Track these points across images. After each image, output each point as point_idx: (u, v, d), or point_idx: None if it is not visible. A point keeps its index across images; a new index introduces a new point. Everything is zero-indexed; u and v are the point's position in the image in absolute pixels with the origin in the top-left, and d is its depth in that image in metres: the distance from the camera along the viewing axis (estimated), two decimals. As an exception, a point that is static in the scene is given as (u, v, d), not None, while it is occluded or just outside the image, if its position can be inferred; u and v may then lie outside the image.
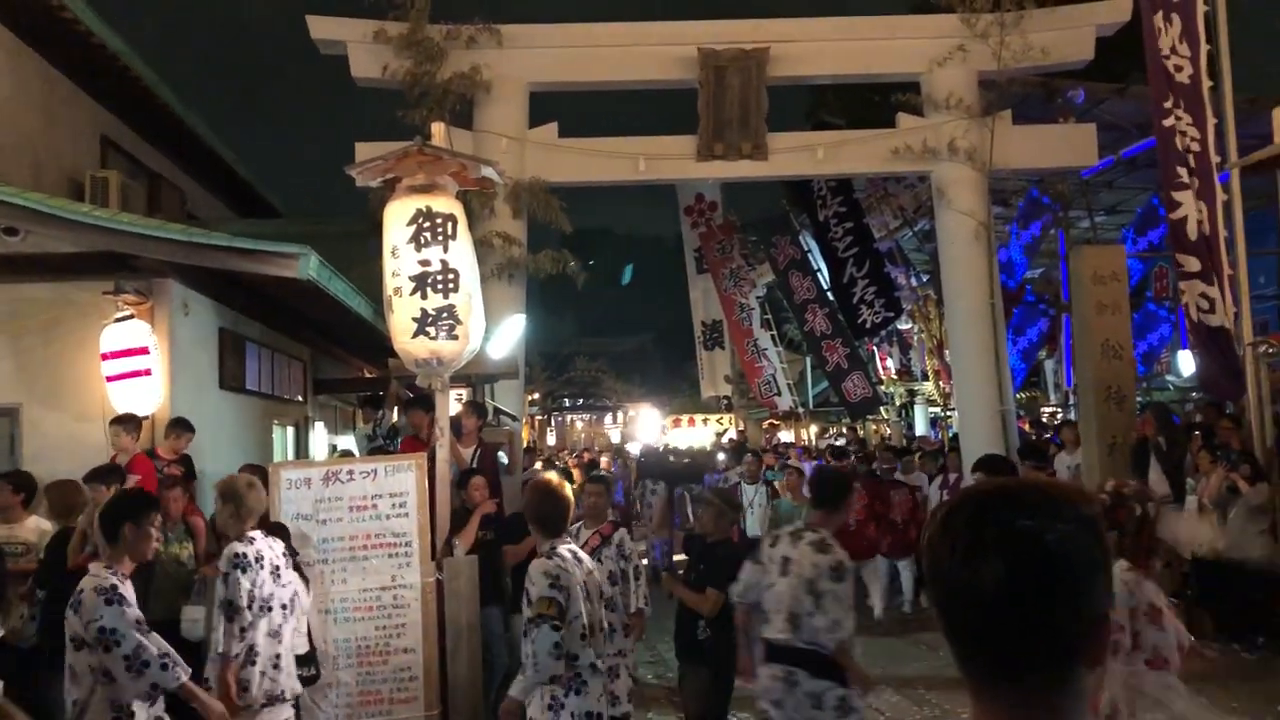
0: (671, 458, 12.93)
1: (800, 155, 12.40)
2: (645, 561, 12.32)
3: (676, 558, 9.29)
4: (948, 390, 18.90)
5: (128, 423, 7.85)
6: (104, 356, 8.21)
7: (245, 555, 5.04)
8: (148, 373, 8.22)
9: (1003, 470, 5.92)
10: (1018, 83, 12.39)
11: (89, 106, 12.93)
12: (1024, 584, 1.16)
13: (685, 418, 28.35)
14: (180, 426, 8.15)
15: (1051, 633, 1.17)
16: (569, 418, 38.76)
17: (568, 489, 4.72)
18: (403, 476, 7.01)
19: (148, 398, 8.29)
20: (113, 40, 11.87)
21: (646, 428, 20.65)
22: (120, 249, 7.99)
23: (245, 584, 4.98)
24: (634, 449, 20.31)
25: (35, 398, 8.45)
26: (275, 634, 5.13)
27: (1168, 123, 10.07)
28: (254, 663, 5.00)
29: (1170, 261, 15.18)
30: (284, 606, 5.20)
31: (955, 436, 15.87)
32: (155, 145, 14.74)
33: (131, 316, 8.29)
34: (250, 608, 4.99)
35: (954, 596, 1.20)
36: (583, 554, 4.65)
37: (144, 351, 8.22)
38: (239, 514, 5.19)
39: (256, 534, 5.23)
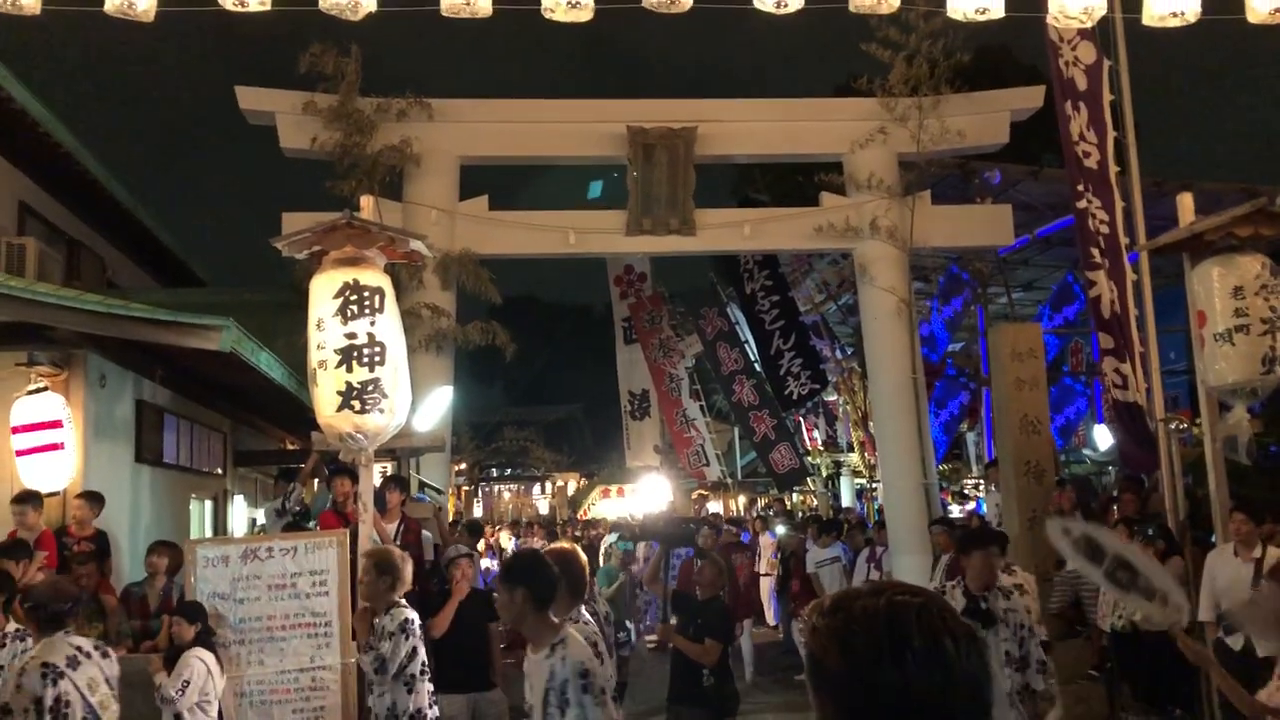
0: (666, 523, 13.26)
1: (727, 231, 12.59)
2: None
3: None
4: (873, 462, 19.11)
5: (31, 500, 7.62)
6: (14, 430, 7.97)
7: (412, 621, 5.67)
8: (60, 446, 7.99)
9: (994, 541, 6.06)
10: (936, 164, 12.78)
11: (6, 171, 12.69)
12: (982, 690, 1.21)
13: (615, 487, 28.27)
14: (89, 499, 7.92)
15: None
16: (497, 488, 38.33)
17: (582, 555, 4.84)
18: (324, 554, 6.86)
19: (60, 472, 8.05)
20: (33, 105, 11.71)
21: (649, 496, 20.74)
22: (34, 319, 7.78)
23: (404, 649, 5.56)
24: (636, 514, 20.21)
25: (-61, 472, 8.15)
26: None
27: (1081, 205, 10.44)
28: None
29: (1085, 336, 15.67)
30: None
31: (880, 509, 16.04)
32: (75, 212, 14.48)
33: (45, 389, 8.07)
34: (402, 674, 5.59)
35: (886, 696, 1.20)
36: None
37: (58, 425, 8.00)
38: (394, 587, 5.74)
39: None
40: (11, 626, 5.75)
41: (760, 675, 12.19)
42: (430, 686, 5.83)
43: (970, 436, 22.12)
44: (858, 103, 12.56)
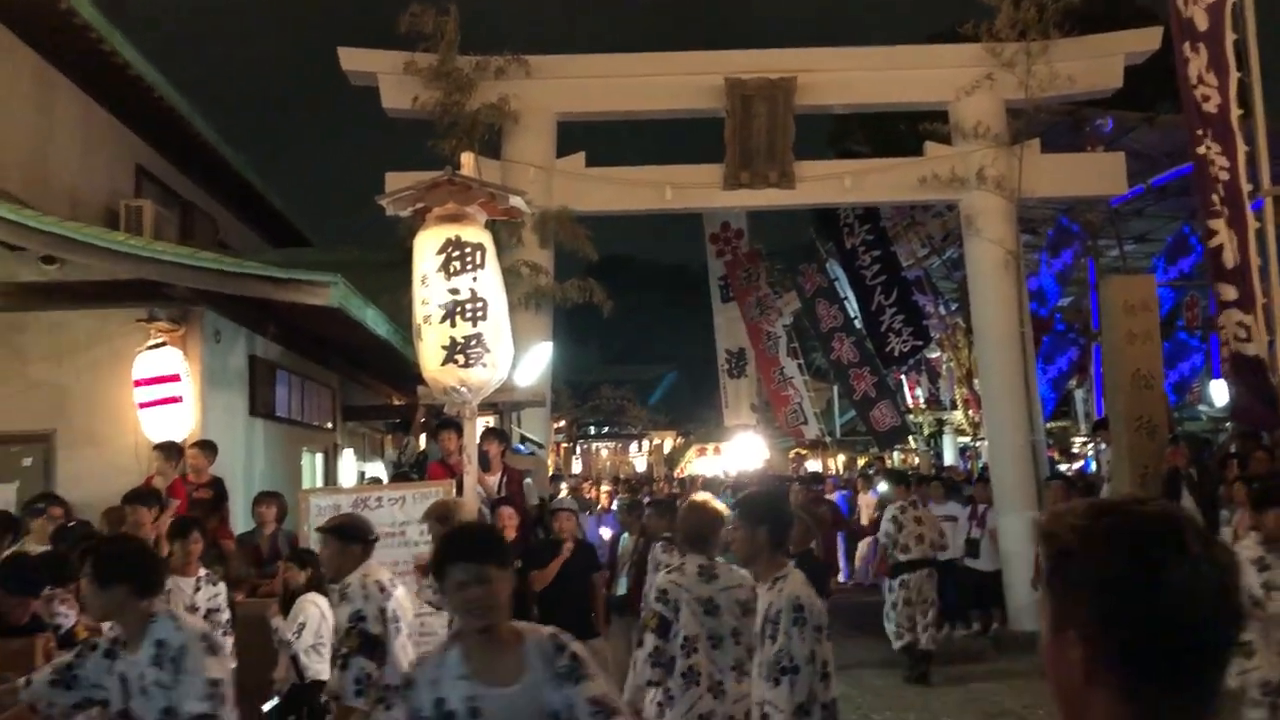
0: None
1: (827, 183, 12.39)
2: None
3: None
4: (977, 419, 18.76)
5: (169, 449, 7.99)
6: (136, 383, 8.31)
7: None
8: (179, 400, 8.31)
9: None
10: (1046, 111, 12.35)
11: (124, 136, 13.14)
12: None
13: (711, 446, 28.30)
14: (204, 448, 8.23)
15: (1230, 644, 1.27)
16: (594, 445, 38.75)
17: (720, 506, 4.91)
18: (431, 503, 7.02)
19: (179, 424, 8.37)
20: (148, 71, 12.08)
21: (744, 454, 20.81)
22: (153, 277, 8.09)
23: None
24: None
25: (70, 424, 8.56)
26: None
27: (1200, 151, 10.02)
28: None
29: (1203, 290, 15.07)
30: None
31: (984, 467, 15.75)
32: (189, 175, 14.94)
33: (164, 344, 8.39)
34: None
35: (1166, 598, 1.23)
36: (724, 571, 4.66)
37: (175, 379, 8.32)
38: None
39: None
40: (202, 571, 6.12)
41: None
42: None
43: (1079, 393, 21.53)
44: (963, 49, 12.21)
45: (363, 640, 4.34)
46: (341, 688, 4.31)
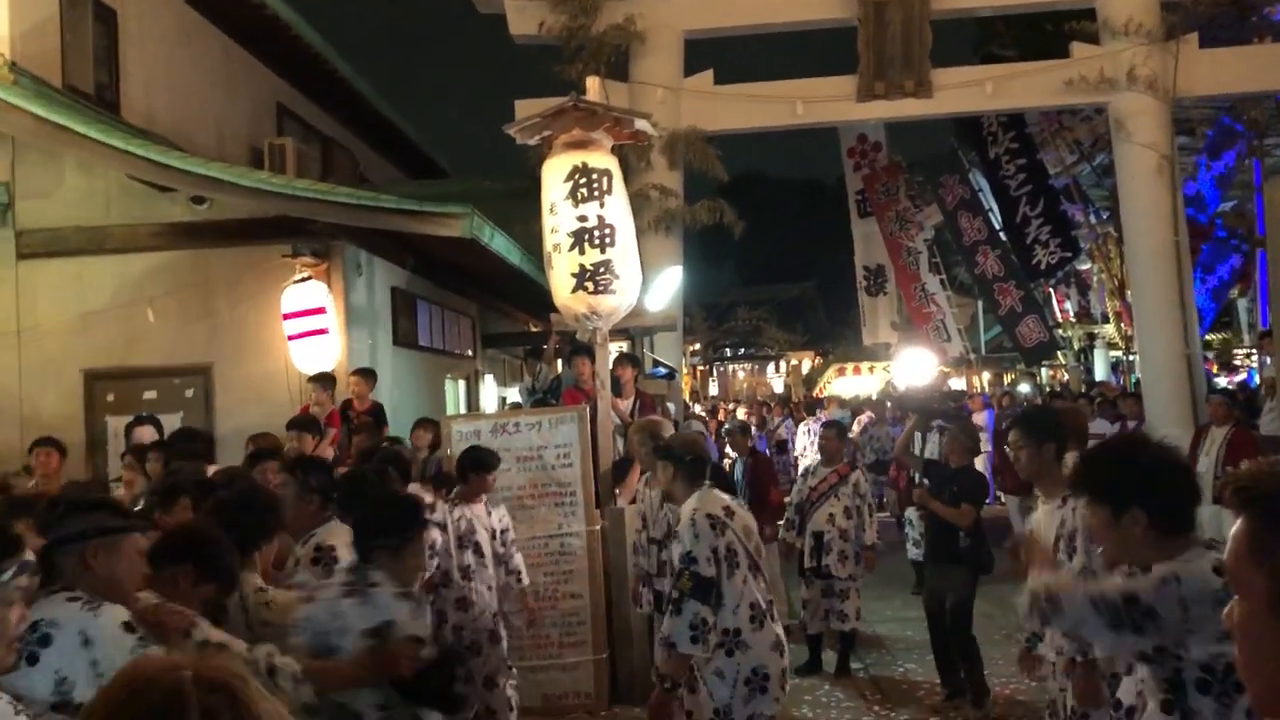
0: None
1: (967, 91, 11.89)
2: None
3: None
4: (1129, 333, 17.99)
5: (325, 380, 8.36)
6: (285, 316, 8.67)
7: None
8: (325, 331, 8.64)
9: None
10: (1206, 2, 11.52)
11: (265, 76, 13.54)
12: None
13: (850, 366, 27.94)
14: (364, 375, 8.57)
15: None
16: (730, 368, 38.70)
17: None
18: (567, 428, 7.16)
19: (326, 356, 8.71)
20: (284, 10, 12.37)
21: (916, 370, 20.51)
22: (295, 213, 8.37)
23: None
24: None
25: (224, 356, 9.00)
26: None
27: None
28: None
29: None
30: None
31: (1137, 382, 15.13)
32: (328, 111, 15.33)
33: (309, 278, 8.71)
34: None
35: None
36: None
37: (321, 311, 8.64)
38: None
39: None
40: (484, 496, 6.30)
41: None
42: None
43: (1242, 303, 20.41)
44: (1114, -63, 11.45)
45: (695, 583, 4.13)
46: (674, 633, 4.13)
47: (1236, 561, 1.24)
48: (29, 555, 2.19)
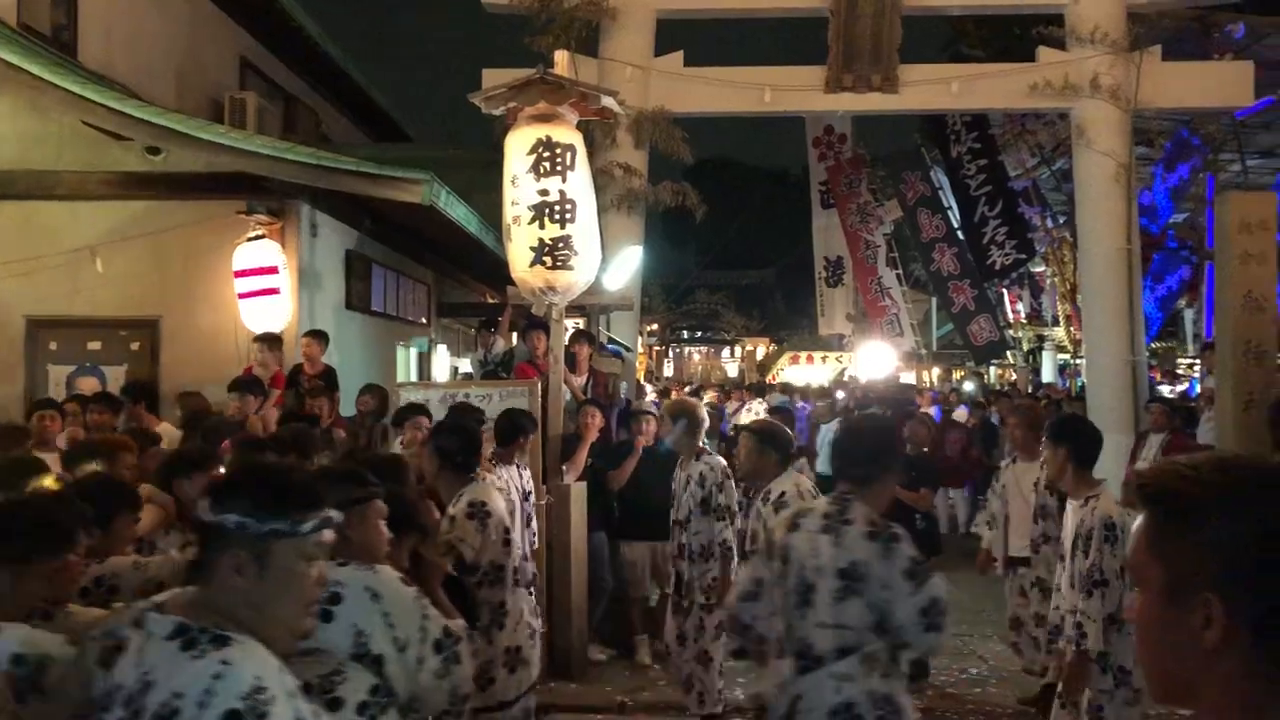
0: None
1: (933, 89, 11.96)
2: None
3: None
4: (1078, 336, 18.27)
5: (271, 341, 8.25)
6: (236, 274, 8.55)
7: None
8: (277, 291, 8.54)
9: None
10: (1170, 15, 11.67)
11: (229, 28, 13.30)
12: None
13: (804, 354, 28.11)
14: (316, 337, 8.46)
15: None
16: (687, 350, 38.80)
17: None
18: (518, 401, 7.14)
19: (277, 316, 8.61)
20: (251, -37, 12.16)
21: (876, 364, 20.74)
22: (252, 170, 8.26)
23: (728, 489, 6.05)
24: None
25: (172, 311, 8.88)
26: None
27: (1336, 60, 9.40)
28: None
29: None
30: None
31: (1082, 386, 15.38)
32: (292, 69, 15.10)
33: (263, 236, 8.60)
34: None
35: None
36: None
37: (274, 270, 8.53)
38: (694, 431, 6.26)
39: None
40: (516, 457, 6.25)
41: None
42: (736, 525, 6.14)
43: (1189, 314, 20.79)
44: (1085, -53, 11.54)
45: None
46: None
47: (1135, 555, 1.30)
48: (332, 512, 2.14)
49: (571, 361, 8.19)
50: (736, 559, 5.87)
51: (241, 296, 8.55)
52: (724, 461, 6.50)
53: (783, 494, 4.86)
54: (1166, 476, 1.28)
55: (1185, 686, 1.24)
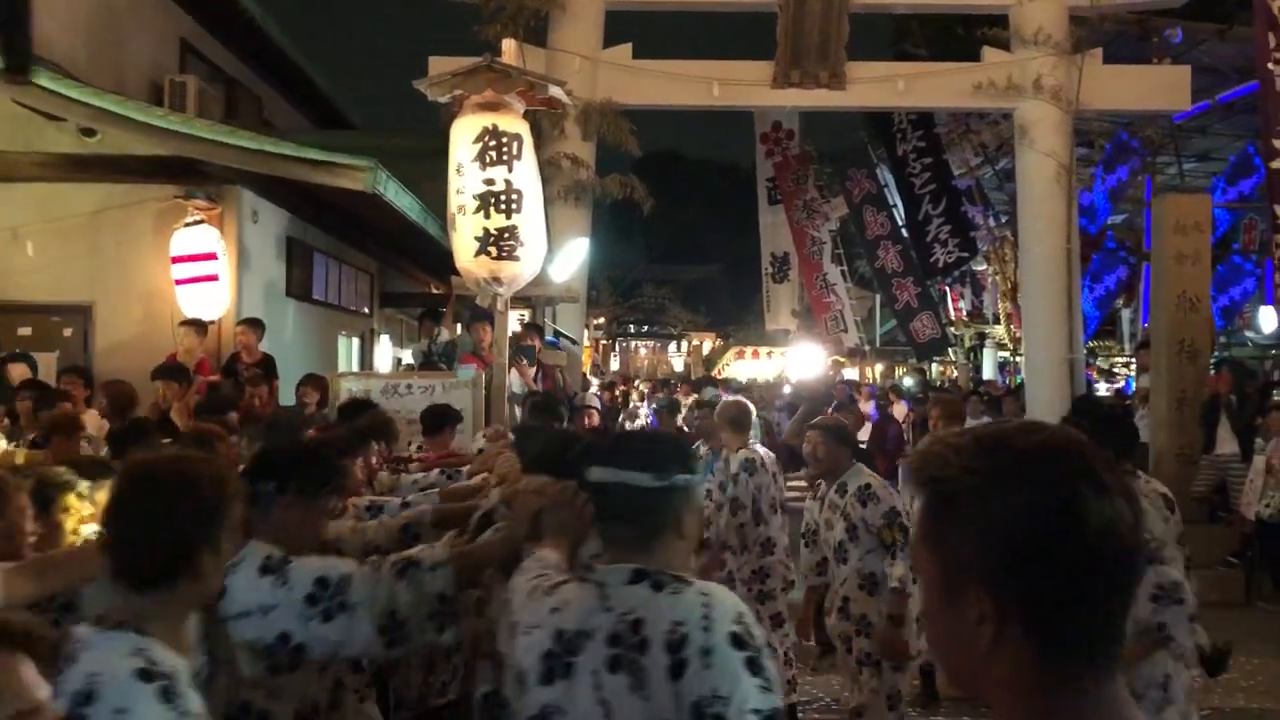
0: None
1: (880, 86, 12.07)
2: None
3: None
4: (1018, 334, 18.55)
5: (197, 326, 8.07)
6: (173, 260, 8.38)
7: (754, 461, 5.97)
8: (215, 278, 8.38)
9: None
10: (1111, 19, 11.88)
11: (169, 9, 12.99)
12: (1141, 536, 1.10)
13: (749, 349, 28.26)
14: (252, 325, 8.31)
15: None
16: (634, 344, 38.82)
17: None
18: (459, 393, 7.09)
19: (215, 302, 8.45)
20: (193, -57, 11.89)
21: (808, 362, 20.94)
22: (191, 154, 8.10)
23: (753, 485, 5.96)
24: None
25: (107, 297, 8.68)
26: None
27: (1270, 66, 9.62)
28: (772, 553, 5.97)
29: (1262, 213, 14.61)
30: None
31: (1021, 382, 15.62)
32: (234, 52, 14.80)
33: (201, 222, 8.44)
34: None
35: (1066, 535, 1.06)
36: None
37: (212, 257, 8.38)
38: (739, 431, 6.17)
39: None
40: None
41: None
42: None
43: (1126, 314, 21.18)
44: (1029, -51, 11.70)
45: (904, 533, 4.69)
46: (903, 578, 4.65)
47: (915, 543, 1.18)
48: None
49: (530, 353, 8.16)
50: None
51: (179, 283, 8.38)
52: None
53: (868, 485, 4.99)
54: (931, 458, 1.15)
55: (979, 684, 1.13)
